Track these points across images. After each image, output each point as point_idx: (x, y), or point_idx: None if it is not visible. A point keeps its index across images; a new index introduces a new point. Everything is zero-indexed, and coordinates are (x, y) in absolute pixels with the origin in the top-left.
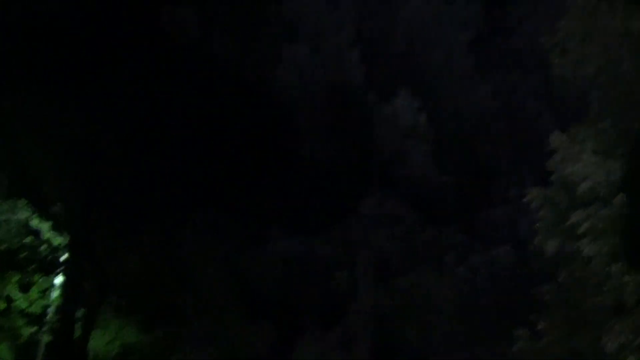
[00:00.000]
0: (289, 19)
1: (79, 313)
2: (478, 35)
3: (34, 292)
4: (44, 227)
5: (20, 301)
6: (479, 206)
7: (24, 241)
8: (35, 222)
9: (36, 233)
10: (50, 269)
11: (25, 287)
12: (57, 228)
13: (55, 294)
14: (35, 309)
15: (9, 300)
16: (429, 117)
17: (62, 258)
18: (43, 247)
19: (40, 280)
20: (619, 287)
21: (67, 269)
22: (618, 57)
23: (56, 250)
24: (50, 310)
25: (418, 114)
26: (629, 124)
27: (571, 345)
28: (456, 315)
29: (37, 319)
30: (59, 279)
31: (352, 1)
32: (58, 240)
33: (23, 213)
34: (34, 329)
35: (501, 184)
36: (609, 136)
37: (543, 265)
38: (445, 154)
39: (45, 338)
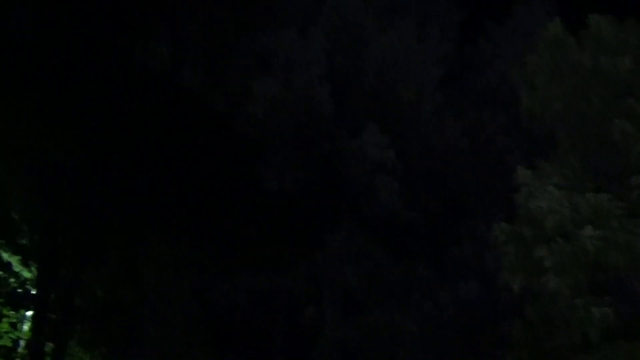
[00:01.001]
0: (260, 52)
1: (48, 347)
2: (449, 72)
3: (4, 325)
4: (14, 261)
5: None
6: (447, 242)
7: None
8: (5, 256)
9: (7, 266)
10: (21, 302)
11: None
12: (25, 261)
13: (25, 327)
14: (5, 342)
15: None
16: (399, 153)
17: (33, 291)
18: (12, 280)
19: (11, 313)
20: (584, 322)
21: (36, 302)
22: (586, 94)
23: (25, 283)
24: (21, 344)
25: (386, 150)
26: (595, 161)
27: None
28: (423, 352)
29: (7, 353)
30: (29, 312)
31: (324, 36)
32: (27, 273)
33: None
34: None
35: (470, 220)
36: (575, 172)
37: (510, 300)
38: (414, 190)
39: None
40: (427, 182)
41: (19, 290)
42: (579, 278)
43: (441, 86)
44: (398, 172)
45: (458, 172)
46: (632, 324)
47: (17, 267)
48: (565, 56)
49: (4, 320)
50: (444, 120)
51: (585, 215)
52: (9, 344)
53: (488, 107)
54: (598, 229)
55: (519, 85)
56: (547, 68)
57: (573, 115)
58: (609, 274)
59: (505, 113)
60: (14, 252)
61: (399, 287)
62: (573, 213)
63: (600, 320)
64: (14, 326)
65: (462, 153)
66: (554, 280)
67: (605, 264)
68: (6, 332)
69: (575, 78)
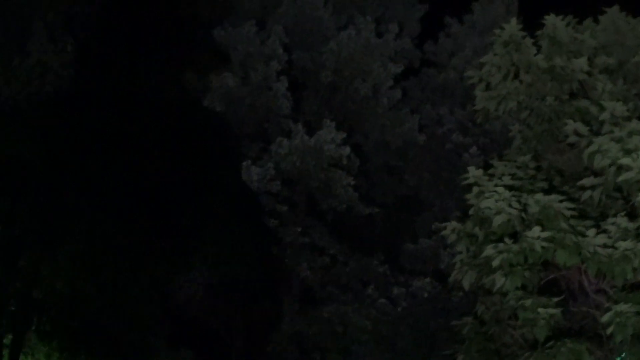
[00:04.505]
0: (218, 46)
1: (7, 340)
2: (407, 69)
3: None
4: None
5: None
6: (403, 238)
7: None
8: None
9: None
10: None
11: None
12: None
13: None
14: None
15: None
16: (355, 148)
17: None
18: None
19: None
20: (531, 321)
21: None
22: (541, 93)
23: None
24: None
25: (342, 146)
26: (548, 161)
27: None
28: (376, 346)
29: None
30: None
31: (282, 31)
32: None
33: None
34: None
35: (426, 216)
36: (527, 172)
37: (463, 298)
38: (371, 186)
39: None
40: (383, 177)
41: None
42: (527, 278)
43: (399, 82)
44: (354, 168)
45: (415, 168)
46: (580, 324)
47: None
48: (521, 56)
49: None
50: (401, 116)
51: (534, 216)
52: None
53: (446, 104)
54: (546, 229)
55: (474, 83)
56: (503, 67)
57: (527, 114)
58: (558, 274)
59: (462, 110)
60: None
61: (354, 281)
62: (521, 213)
63: (548, 320)
64: None
65: (419, 149)
66: (501, 279)
67: (554, 264)
68: None
69: (530, 77)
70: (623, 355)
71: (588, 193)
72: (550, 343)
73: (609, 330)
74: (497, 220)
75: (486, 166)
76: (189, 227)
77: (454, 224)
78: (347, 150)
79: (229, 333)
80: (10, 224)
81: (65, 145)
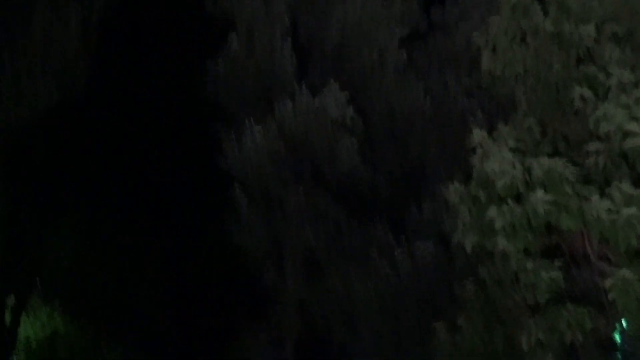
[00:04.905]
0: (224, 10)
1: (10, 300)
2: (413, 32)
3: None
4: None
5: None
6: (407, 203)
7: None
8: None
9: None
10: None
11: None
12: None
13: None
14: None
15: None
16: (360, 113)
17: None
18: None
19: None
20: (533, 285)
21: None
22: (547, 59)
23: None
24: None
25: (346, 108)
26: (553, 126)
27: (488, 341)
28: (380, 312)
29: None
30: None
31: None
32: None
33: None
34: None
35: (430, 181)
36: (532, 136)
37: (465, 261)
38: (375, 150)
39: None
40: (388, 142)
41: None
42: (530, 241)
43: (405, 46)
44: (359, 132)
45: (420, 133)
46: (581, 289)
47: None
48: (529, 20)
49: None
50: (406, 81)
51: (538, 179)
52: None
53: (452, 69)
54: (550, 193)
55: (481, 47)
56: (510, 31)
57: (533, 79)
58: (560, 238)
59: (469, 75)
60: None
61: (358, 247)
62: (525, 176)
63: (549, 283)
64: None
65: (424, 114)
66: (503, 242)
67: (557, 229)
68: None
69: (537, 42)
70: (624, 321)
71: (593, 158)
72: (552, 307)
73: (611, 296)
74: (501, 182)
75: (491, 130)
76: (191, 196)
77: (456, 186)
78: (350, 111)
79: (231, 300)
80: (16, 189)
81: (69, 116)
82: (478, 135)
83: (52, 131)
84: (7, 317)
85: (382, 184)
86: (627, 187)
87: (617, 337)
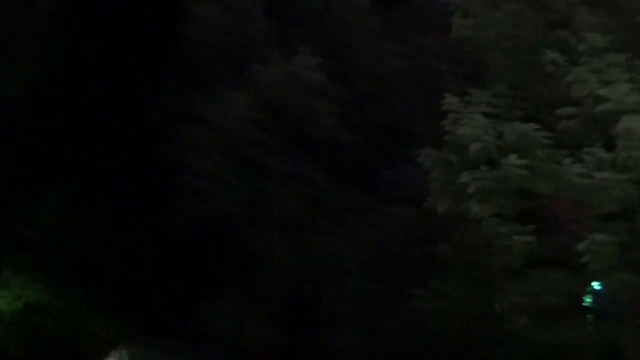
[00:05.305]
0: None
1: None
2: None
3: None
4: None
5: None
6: (384, 166)
7: None
8: None
9: None
10: None
11: None
12: None
13: None
14: None
15: None
16: (336, 77)
17: None
18: None
19: None
20: (507, 249)
21: None
22: (519, 23)
23: None
24: None
25: (321, 72)
26: (525, 90)
27: (466, 304)
28: (360, 274)
29: None
30: None
31: None
32: None
33: None
34: None
35: (407, 145)
36: (504, 100)
37: (441, 225)
38: (352, 113)
39: None
40: (365, 105)
41: None
42: (503, 205)
43: (378, 10)
44: (335, 96)
45: (398, 96)
46: (555, 252)
47: None
48: None
49: None
50: (381, 45)
51: (511, 144)
52: None
53: (427, 32)
54: (523, 157)
55: (453, 11)
56: None
57: (505, 43)
58: (533, 202)
59: (442, 38)
60: None
61: (337, 210)
62: (498, 141)
63: (523, 248)
64: None
65: (399, 77)
66: (476, 206)
67: (530, 192)
68: None
69: (510, 7)
70: (598, 283)
71: (565, 122)
72: (526, 271)
73: (585, 259)
74: (474, 147)
75: (464, 94)
76: (170, 161)
77: (429, 150)
78: (323, 76)
79: (214, 263)
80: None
81: (52, 82)
82: (450, 100)
83: (30, 106)
84: None
85: (359, 146)
86: (599, 151)
87: (589, 299)
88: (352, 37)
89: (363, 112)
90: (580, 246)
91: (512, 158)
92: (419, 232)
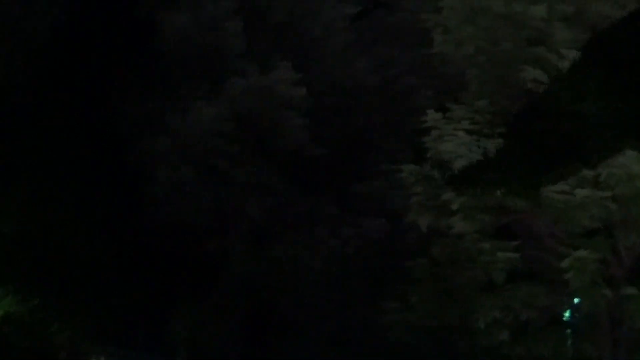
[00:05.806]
0: None
1: None
2: (361, 10)
3: None
4: None
5: None
6: (352, 179)
7: None
8: None
9: None
10: None
11: None
12: None
13: None
14: None
15: None
16: (307, 89)
17: None
18: None
19: None
20: (489, 264)
21: None
22: (497, 38)
23: None
24: None
25: (296, 86)
26: (504, 105)
27: (441, 318)
28: (326, 286)
29: None
30: None
31: None
32: None
33: None
34: None
35: (375, 158)
36: (484, 116)
37: (415, 239)
38: (321, 126)
39: None
40: (334, 118)
41: None
42: (485, 221)
43: (351, 24)
44: (306, 108)
45: (365, 109)
46: (535, 267)
47: None
48: (479, 0)
49: None
50: (353, 58)
51: None
52: None
53: (397, 46)
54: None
55: (432, 27)
56: (461, 10)
57: (483, 59)
58: (515, 218)
59: (414, 52)
60: None
61: (303, 221)
62: (481, 158)
63: (505, 263)
64: None
65: (370, 90)
66: (460, 222)
67: (509, 208)
68: None
69: (488, 22)
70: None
71: None
72: (507, 286)
73: (568, 276)
74: (458, 164)
75: (440, 109)
76: (137, 168)
77: (410, 166)
78: (303, 90)
79: (176, 274)
80: None
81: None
82: (432, 116)
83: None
84: None
85: (327, 158)
86: None
87: (567, 314)
88: (322, 50)
89: (332, 125)
90: (565, 263)
91: (495, 175)
92: (389, 245)
